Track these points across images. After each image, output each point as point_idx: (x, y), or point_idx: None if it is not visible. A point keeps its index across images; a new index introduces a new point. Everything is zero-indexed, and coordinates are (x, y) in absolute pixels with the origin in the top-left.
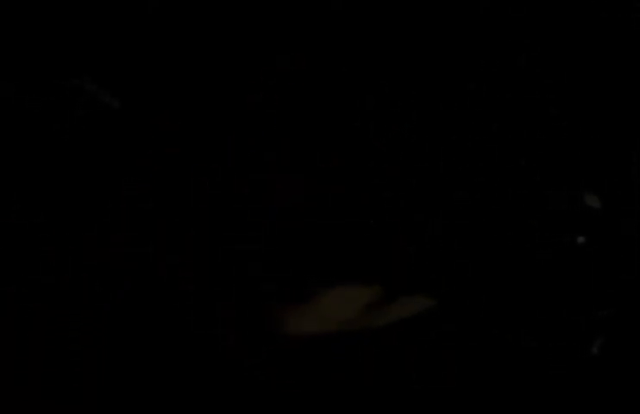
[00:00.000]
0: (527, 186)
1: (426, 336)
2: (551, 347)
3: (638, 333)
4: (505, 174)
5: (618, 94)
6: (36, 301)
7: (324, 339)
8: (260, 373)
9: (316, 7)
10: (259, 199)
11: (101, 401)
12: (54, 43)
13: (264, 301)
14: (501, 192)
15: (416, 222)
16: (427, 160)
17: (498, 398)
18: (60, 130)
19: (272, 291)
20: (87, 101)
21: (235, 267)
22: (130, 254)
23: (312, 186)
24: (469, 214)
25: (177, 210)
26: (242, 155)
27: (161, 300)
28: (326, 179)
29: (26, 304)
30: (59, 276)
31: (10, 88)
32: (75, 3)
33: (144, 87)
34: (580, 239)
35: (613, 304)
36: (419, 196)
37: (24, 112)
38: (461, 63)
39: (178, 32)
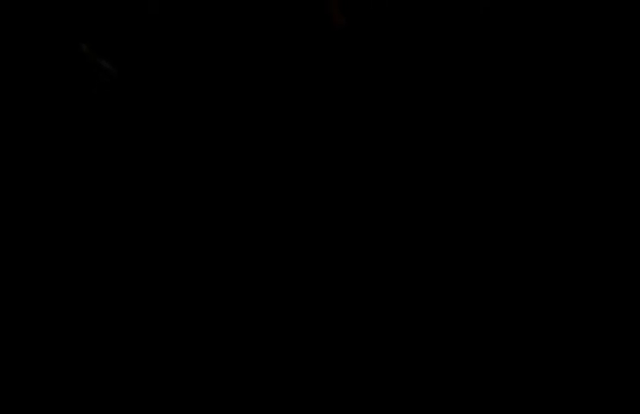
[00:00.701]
0: (527, 186)
1: (426, 334)
2: (551, 345)
3: (638, 333)
4: (504, 174)
5: (618, 94)
6: (36, 301)
7: None
8: (259, 368)
9: (315, 7)
10: (258, 196)
11: (101, 401)
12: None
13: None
14: (501, 192)
15: (415, 222)
16: (427, 160)
17: (498, 398)
18: (61, 126)
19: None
20: (87, 67)
21: (235, 265)
22: (130, 253)
23: (312, 185)
24: (469, 214)
25: (177, 209)
26: (242, 155)
27: (161, 299)
28: (325, 178)
29: (26, 304)
30: (59, 276)
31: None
32: None
33: (144, 86)
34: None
35: (613, 304)
36: (419, 196)
37: (25, 105)
38: (461, 63)
39: (178, 32)
